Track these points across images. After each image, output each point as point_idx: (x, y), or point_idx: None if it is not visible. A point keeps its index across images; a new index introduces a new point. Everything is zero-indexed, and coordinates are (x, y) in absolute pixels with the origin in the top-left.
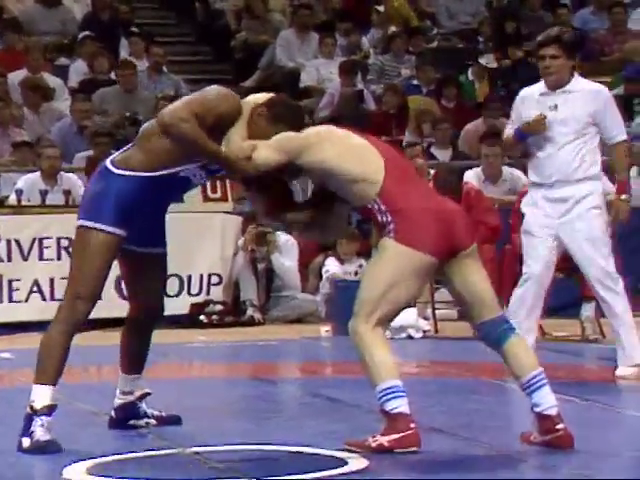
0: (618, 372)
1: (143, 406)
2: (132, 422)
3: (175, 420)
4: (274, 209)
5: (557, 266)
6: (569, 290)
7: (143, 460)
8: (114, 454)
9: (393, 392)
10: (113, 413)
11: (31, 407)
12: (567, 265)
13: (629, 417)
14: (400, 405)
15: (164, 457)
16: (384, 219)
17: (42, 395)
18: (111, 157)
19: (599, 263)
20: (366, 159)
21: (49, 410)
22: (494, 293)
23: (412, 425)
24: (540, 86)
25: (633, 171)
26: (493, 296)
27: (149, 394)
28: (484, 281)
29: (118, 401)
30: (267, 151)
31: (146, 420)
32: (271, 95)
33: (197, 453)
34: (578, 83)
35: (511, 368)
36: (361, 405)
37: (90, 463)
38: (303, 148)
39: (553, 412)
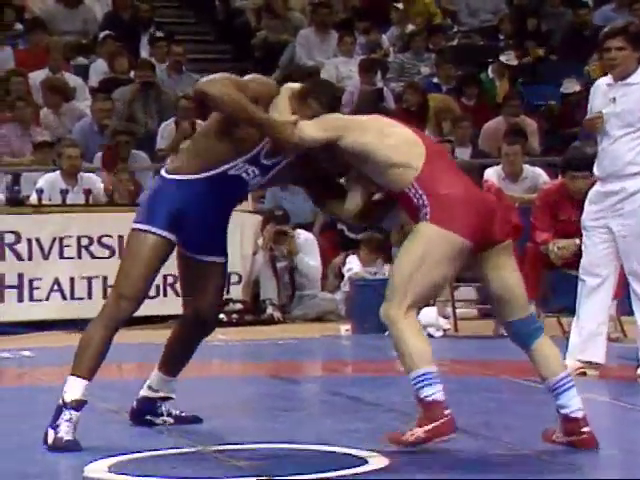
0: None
1: (163, 407)
2: (149, 418)
3: (195, 420)
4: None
5: (576, 263)
6: None
7: (164, 458)
8: (135, 452)
9: (426, 379)
10: (135, 403)
11: (63, 399)
12: None
13: None
14: (434, 392)
15: (185, 455)
16: (420, 202)
17: (74, 388)
18: (166, 165)
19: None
20: (408, 145)
21: (78, 405)
22: (525, 292)
23: (446, 412)
24: (608, 77)
25: None
26: (524, 295)
27: (171, 399)
28: (518, 279)
29: (142, 393)
30: (312, 127)
31: (163, 419)
32: None
33: (218, 451)
34: (639, 75)
35: (539, 369)
36: (381, 404)
37: (111, 461)
38: (347, 129)
39: (579, 415)
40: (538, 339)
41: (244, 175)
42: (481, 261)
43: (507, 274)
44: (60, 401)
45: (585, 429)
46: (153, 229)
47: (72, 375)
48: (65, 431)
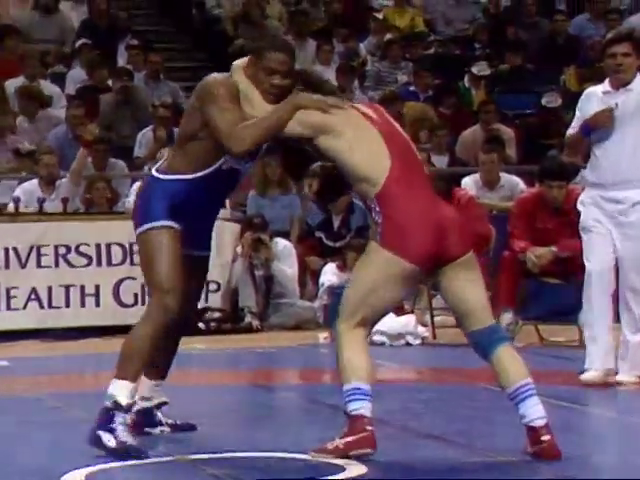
0: (618, 377)
1: (159, 414)
2: (147, 429)
3: (189, 427)
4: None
5: (555, 271)
6: (567, 295)
7: (141, 467)
8: (112, 461)
9: (355, 394)
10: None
11: (115, 402)
12: (564, 270)
13: (628, 423)
14: (360, 407)
15: (163, 464)
16: (377, 219)
17: (125, 391)
18: (155, 167)
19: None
20: (373, 159)
21: (130, 407)
22: (486, 302)
23: (369, 427)
24: (604, 85)
25: None
26: (484, 306)
27: (166, 403)
28: (475, 291)
29: (136, 407)
30: (292, 122)
31: (160, 428)
32: None
33: (195, 460)
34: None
35: (498, 378)
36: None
37: (88, 470)
38: (322, 130)
39: (539, 423)
40: (497, 349)
41: (235, 165)
42: (437, 275)
43: (463, 287)
44: (109, 404)
45: (545, 437)
46: (159, 223)
47: (119, 378)
48: (125, 435)
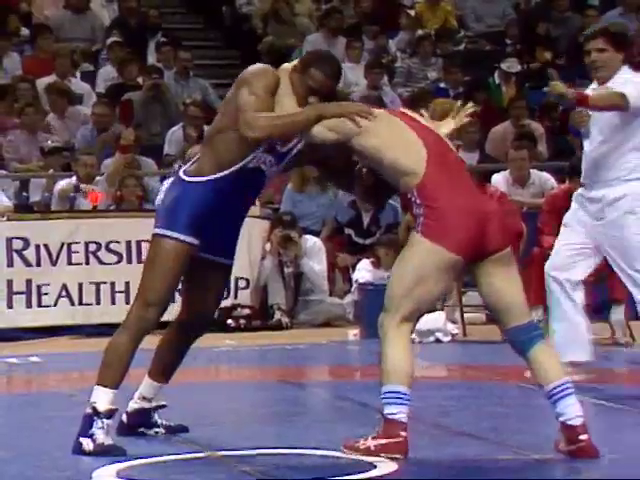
0: None
1: (155, 416)
2: (142, 430)
3: (182, 429)
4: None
5: None
6: (598, 293)
7: (172, 463)
8: (143, 457)
9: (395, 397)
10: (125, 418)
11: (94, 408)
12: (596, 268)
13: None
14: (398, 412)
15: (193, 461)
16: (417, 211)
17: (104, 397)
18: (184, 167)
19: (630, 274)
20: (410, 149)
21: (110, 413)
22: (524, 299)
23: (403, 433)
24: (595, 83)
25: None
26: (522, 302)
27: (165, 406)
28: (513, 287)
29: (134, 405)
30: (321, 127)
31: (155, 429)
32: None
33: (226, 457)
34: (621, 77)
35: (536, 376)
36: None
37: (120, 466)
38: (355, 132)
39: (577, 422)
40: (535, 346)
41: (262, 166)
42: (475, 269)
43: (501, 283)
44: (89, 410)
45: (582, 437)
46: (175, 234)
47: (99, 385)
48: (103, 437)
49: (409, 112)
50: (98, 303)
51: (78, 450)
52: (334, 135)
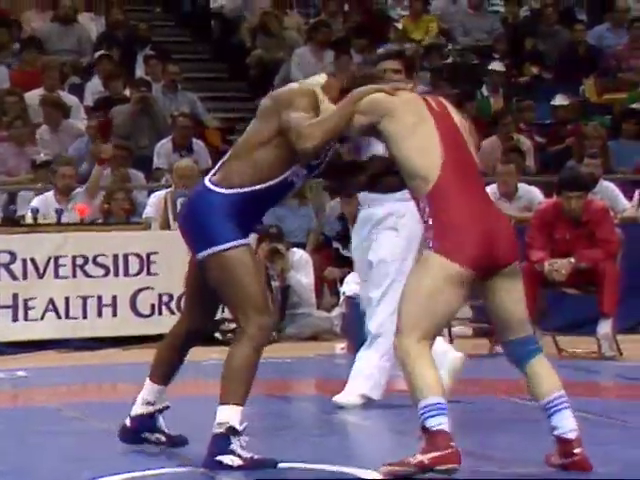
0: None
1: (160, 420)
2: (145, 435)
3: (182, 441)
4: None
5: (574, 282)
6: (586, 306)
7: (157, 478)
8: (128, 472)
9: (435, 409)
10: (128, 422)
11: (231, 427)
12: (584, 281)
13: None
14: (441, 423)
15: (178, 475)
16: (426, 221)
17: (237, 415)
18: (208, 176)
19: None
20: (427, 151)
21: (243, 431)
22: (525, 313)
23: (452, 444)
24: None
25: None
26: (521, 317)
27: (169, 407)
28: (514, 301)
29: (138, 410)
30: (355, 115)
31: (157, 435)
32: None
33: (210, 471)
34: None
35: (532, 389)
36: (375, 423)
37: None
38: (384, 112)
39: (572, 436)
40: (532, 360)
41: (295, 179)
42: (482, 282)
43: (507, 295)
44: (223, 430)
45: (577, 450)
46: (235, 242)
47: (229, 404)
48: (245, 452)
49: (445, 102)
50: (85, 317)
51: (220, 467)
52: (367, 118)
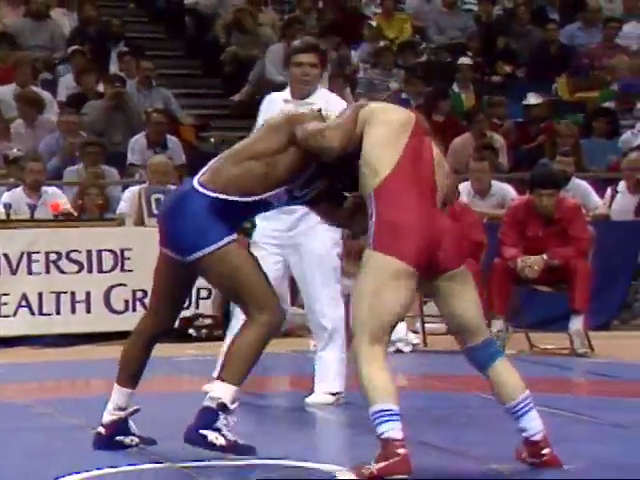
0: None
1: (131, 423)
2: (119, 438)
3: (151, 442)
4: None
5: (546, 280)
6: (558, 303)
7: (131, 475)
8: (101, 468)
9: (382, 416)
10: (102, 430)
11: (222, 404)
12: (556, 278)
13: (616, 430)
14: (389, 429)
15: (152, 472)
16: (370, 219)
17: (231, 395)
18: (197, 177)
19: (321, 290)
20: (382, 147)
21: (232, 411)
22: (480, 318)
23: (400, 451)
24: (285, 93)
25: (621, 186)
26: (478, 322)
27: (139, 410)
28: (469, 307)
29: (110, 417)
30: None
31: (131, 437)
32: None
33: (185, 468)
34: (322, 95)
35: (495, 393)
36: (348, 419)
37: (77, 477)
38: (368, 119)
39: (538, 437)
40: (493, 364)
41: (275, 201)
42: (432, 287)
43: (457, 302)
44: (214, 405)
45: (545, 451)
46: (228, 238)
47: (226, 382)
48: (231, 434)
49: (421, 119)
50: (58, 313)
51: (201, 442)
52: (359, 128)
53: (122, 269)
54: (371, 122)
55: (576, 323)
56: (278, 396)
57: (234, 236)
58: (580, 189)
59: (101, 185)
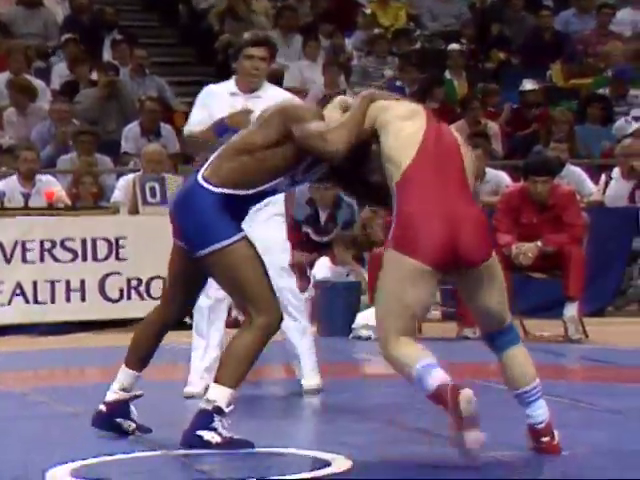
0: None
1: (133, 408)
2: (119, 420)
3: (147, 430)
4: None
5: (540, 266)
6: (552, 290)
7: (127, 462)
8: (97, 456)
9: (420, 375)
10: (103, 407)
11: (217, 407)
12: (550, 265)
13: (611, 416)
14: (430, 384)
15: (148, 460)
16: (392, 216)
17: (227, 398)
18: (201, 171)
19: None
20: (407, 138)
21: (228, 413)
22: (504, 306)
23: (444, 387)
24: (229, 85)
25: (615, 172)
26: (499, 309)
27: (141, 395)
28: (491, 296)
29: (113, 395)
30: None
31: (129, 422)
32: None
33: (181, 456)
34: (269, 89)
35: (506, 377)
36: (344, 406)
37: (73, 465)
38: (382, 110)
39: (541, 426)
40: (508, 350)
41: (278, 188)
42: (459, 281)
43: (484, 290)
44: (209, 408)
45: (544, 439)
46: (234, 238)
47: (221, 384)
48: (226, 432)
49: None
50: (53, 301)
51: (198, 442)
52: (369, 121)
53: (117, 257)
54: (385, 124)
55: (570, 310)
56: (272, 384)
57: (243, 233)
58: (574, 176)
59: (95, 173)
